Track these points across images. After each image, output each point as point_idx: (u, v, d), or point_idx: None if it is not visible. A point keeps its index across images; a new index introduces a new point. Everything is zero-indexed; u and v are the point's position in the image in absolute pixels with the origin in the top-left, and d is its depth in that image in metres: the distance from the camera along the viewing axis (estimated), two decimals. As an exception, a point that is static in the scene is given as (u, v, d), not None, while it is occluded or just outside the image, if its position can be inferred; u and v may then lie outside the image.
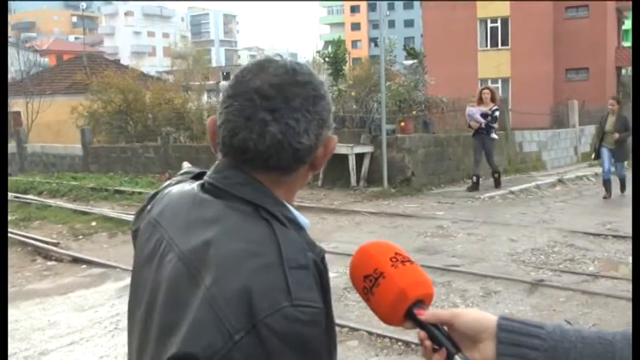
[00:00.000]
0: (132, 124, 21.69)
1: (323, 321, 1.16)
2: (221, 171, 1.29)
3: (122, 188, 14.92)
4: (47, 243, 9.49)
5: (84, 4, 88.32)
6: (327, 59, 17.55)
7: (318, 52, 20.18)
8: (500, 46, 37.07)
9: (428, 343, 1.18)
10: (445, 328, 1.19)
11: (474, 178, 14.08)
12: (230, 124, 1.24)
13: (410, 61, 19.20)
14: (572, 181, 15.84)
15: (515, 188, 14.12)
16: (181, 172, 1.57)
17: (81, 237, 10.56)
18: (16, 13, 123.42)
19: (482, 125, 13.75)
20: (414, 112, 16.27)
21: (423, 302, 1.22)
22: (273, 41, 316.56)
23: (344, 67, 17.64)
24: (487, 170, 14.68)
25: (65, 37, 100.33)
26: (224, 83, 41.43)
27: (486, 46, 37.36)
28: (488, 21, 36.99)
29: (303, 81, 1.26)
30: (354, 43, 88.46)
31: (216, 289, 1.13)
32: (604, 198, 13.06)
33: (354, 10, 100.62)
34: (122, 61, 54.79)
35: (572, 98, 23.83)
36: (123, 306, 6.76)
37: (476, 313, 1.19)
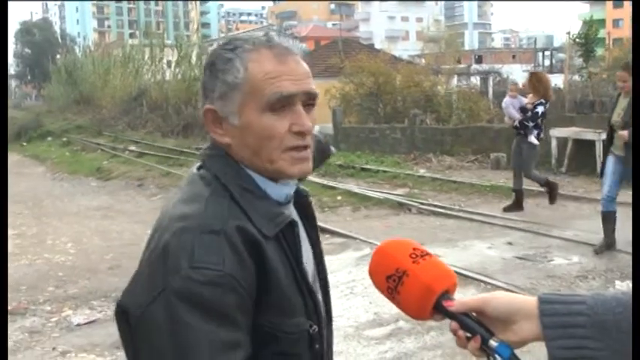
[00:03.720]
0: (381, 105, 22.14)
1: (230, 283, 1.21)
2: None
3: (368, 166, 15.43)
4: (296, 213, 10.22)
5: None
6: (576, 40, 16.93)
7: (568, 33, 19.44)
8: None
9: (461, 332, 1.20)
10: (474, 314, 1.21)
11: (514, 194, 10.39)
12: None
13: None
14: None
15: None
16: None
17: (327, 209, 11.19)
18: (279, 4, 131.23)
19: (516, 123, 10.05)
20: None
21: (448, 293, 1.23)
22: (528, 23, 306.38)
23: (595, 49, 16.84)
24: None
25: (323, 24, 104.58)
26: (476, 67, 40.94)
27: None
28: None
29: (211, 52, 1.44)
30: (616, 22, 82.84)
31: (153, 246, 1.28)
32: (595, 252, 7.71)
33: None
34: (375, 46, 55.97)
35: None
36: (359, 273, 7.20)
37: (505, 296, 1.22)
